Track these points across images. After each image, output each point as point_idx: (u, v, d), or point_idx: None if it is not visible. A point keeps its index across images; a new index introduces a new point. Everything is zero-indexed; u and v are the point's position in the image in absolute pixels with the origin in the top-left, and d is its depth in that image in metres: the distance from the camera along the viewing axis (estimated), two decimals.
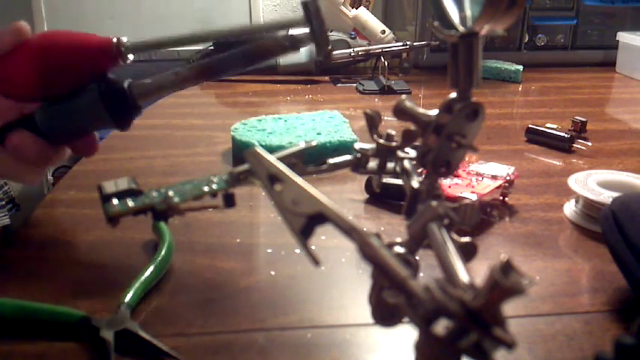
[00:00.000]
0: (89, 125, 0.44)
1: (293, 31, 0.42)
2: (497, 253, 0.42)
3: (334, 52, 0.93)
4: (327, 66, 0.92)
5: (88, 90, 0.42)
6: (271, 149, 0.40)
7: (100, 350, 0.31)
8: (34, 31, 0.43)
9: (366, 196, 0.50)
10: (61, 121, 0.43)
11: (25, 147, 0.42)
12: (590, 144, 0.64)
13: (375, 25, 1.01)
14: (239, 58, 0.42)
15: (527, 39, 1.03)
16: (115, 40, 0.42)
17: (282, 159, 0.35)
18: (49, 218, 0.46)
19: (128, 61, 0.42)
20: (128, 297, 0.34)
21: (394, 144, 0.39)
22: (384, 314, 0.27)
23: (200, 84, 0.43)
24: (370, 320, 0.28)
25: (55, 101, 0.42)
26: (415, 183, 0.34)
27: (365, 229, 0.27)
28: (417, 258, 0.30)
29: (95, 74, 0.42)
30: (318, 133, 0.59)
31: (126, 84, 0.42)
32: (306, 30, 0.41)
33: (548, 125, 0.66)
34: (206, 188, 0.38)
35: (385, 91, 0.86)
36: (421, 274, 0.35)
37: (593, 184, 0.47)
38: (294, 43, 0.42)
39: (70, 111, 0.43)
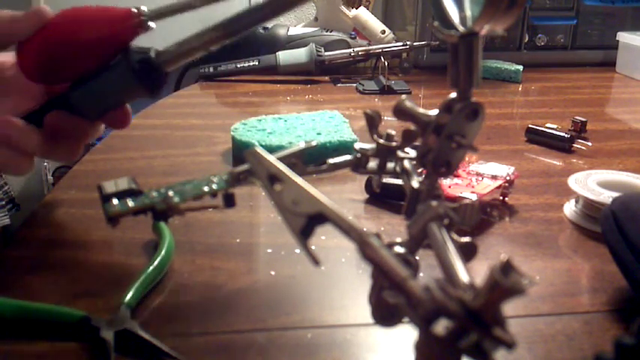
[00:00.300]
0: (121, 98, 0.44)
1: None
2: (497, 253, 0.42)
3: (334, 52, 0.93)
4: (327, 65, 0.92)
5: (116, 64, 0.42)
6: (271, 149, 0.40)
7: (100, 350, 0.31)
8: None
9: (366, 196, 0.50)
10: (94, 97, 0.44)
11: (62, 126, 0.43)
12: (590, 144, 0.64)
13: (375, 25, 1.01)
14: (261, 10, 0.42)
15: (527, 39, 1.03)
16: (134, 9, 0.42)
17: (282, 159, 0.35)
18: (49, 218, 0.46)
19: (150, 29, 0.42)
20: (128, 297, 0.34)
21: (394, 144, 0.39)
22: (384, 314, 0.27)
23: (225, 43, 0.43)
24: (370, 320, 0.28)
25: (85, 79, 0.43)
26: (415, 183, 0.34)
27: (365, 229, 0.27)
28: (417, 258, 0.30)
29: (119, 46, 0.42)
30: (318, 133, 0.59)
31: (152, 53, 0.43)
32: None
33: (548, 125, 0.66)
34: (206, 188, 0.38)
35: (385, 91, 0.86)
36: (421, 274, 0.35)
37: (593, 184, 0.47)
38: None
39: (102, 87, 0.43)
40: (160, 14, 0.43)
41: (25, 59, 0.43)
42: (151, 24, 0.42)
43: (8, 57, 0.45)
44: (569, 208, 0.48)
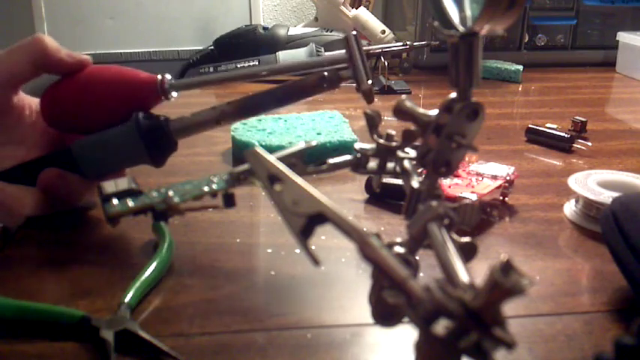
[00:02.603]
0: (125, 161, 0.44)
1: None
2: (497, 253, 0.42)
3: (334, 52, 0.93)
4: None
5: (127, 126, 0.42)
6: (271, 149, 0.40)
7: (100, 350, 0.31)
8: (35, 32, 0.44)
9: (366, 196, 0.50)
10: (98, 155, 0.44)
11: (57, 186, 0.43)
12: (590, 144, 0.64)
13: (375, 25, 1.01)
14: (278, 96, 0.43)
15: (527, 39, 1.03)
16: (159, 77, 0.42)
17: (282, 159, 0.35)
18: (49, 218, 0.46)
19: (172, 99, 0.43)
20: (128, 297, 0.34)
21: (394, 144, 0.39)
22: (384, 314, 0.27)
23: (238, 120, 0.44)
24: (370, 320, 0.28)
25: (94, 135, 0.43)
26: (415, 183, 0.34)
27: (365, 229, 0.27)
28: (417, 258, 0.30)
29: (136, 110, 0.43)
30: (318, 133, 0.59)
31: (164, 120, 0.43)
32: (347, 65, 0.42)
33: (548, 125, 0.66)
34: (206, 188, 0.38)
35: (385, 91, 0.86)
36: (421, 274, 0.35)
37: (593, 184, 0.47)
38: (335, 81, 0.43)
39: (108, 146, 0.43)
40: (184, 86, 0.44)
41: (47, 101, 0.44)
42: (174, 94, 0.43)
43: (34, 102, 0.45)
44: (569, 208, 0.48)
